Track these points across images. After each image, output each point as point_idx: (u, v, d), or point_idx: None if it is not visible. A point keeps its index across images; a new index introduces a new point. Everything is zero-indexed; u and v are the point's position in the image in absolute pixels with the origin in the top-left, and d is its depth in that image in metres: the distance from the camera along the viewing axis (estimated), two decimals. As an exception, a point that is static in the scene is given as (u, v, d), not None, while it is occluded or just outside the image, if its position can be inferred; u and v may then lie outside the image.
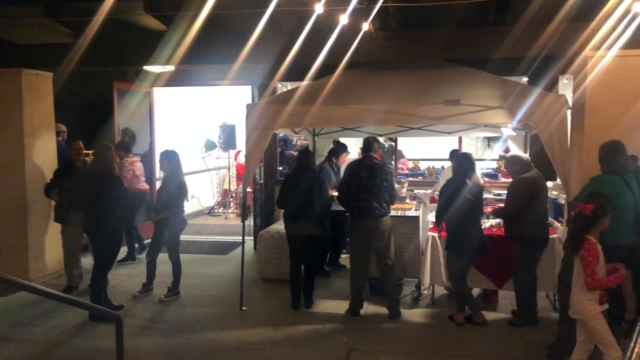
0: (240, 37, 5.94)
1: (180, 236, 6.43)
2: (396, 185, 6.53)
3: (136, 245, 8.20)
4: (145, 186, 8.38)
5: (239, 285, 6.03)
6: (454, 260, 5.44)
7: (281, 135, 9.60)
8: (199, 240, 9.39)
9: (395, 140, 9.88)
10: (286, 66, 6.07)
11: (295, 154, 10.14)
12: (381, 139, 9.92)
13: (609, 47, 5.45)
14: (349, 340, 5.07)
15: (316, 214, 5.86)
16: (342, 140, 9.78)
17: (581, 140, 5.63)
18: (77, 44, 6.13)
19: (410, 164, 10.55)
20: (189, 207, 10.27)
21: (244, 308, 5.93)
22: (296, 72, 6.40)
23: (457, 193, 5.25)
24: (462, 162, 5.46)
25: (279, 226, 7.33)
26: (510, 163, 5.52)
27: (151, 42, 6.71)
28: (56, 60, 6.58)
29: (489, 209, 6.03)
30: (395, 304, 5.67)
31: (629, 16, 5.14)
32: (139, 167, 8.22)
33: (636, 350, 1.42)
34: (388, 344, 5.02)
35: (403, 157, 11.01)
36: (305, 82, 6.25)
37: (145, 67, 8.07)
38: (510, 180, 5.63)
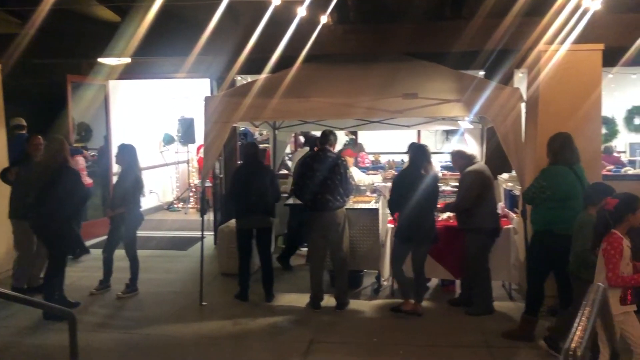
0: (197, 28, 5.85)
1: (138, 232, 6.31)
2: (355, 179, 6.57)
3: None
4: (88, 180, 8.14)
5: (199, 280, 5.96)
6: (399, 248, 5.47)
7: (242, 129, 9.53)
8: (157, 235, 9.24)
9: (355, 134, 9.92)
10: (244, 59, 6.01)
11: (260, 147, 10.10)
12: (342, 133, 9.98)
13: (562, 42, 5.60)
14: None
15: (267, 207, 5.89)
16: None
17: (535, 133, 5.77)
18: (25, 35, 5.93)
19: (371, 157, 10.62)
20: (147, 202, 10.13)
21: (203, 303, 5.87)
22: (255, 65, 6.35)
23: (410, 183, 5.30)
24: (416, 153, 5.51)
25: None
26: (457, 158, 5.63)
27: (105, 34, 6.56)
28: (4, 51, 6.35)
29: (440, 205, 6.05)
30: (342, 295, 5.71)
31: (580, 11, 5.29)
32: (79, 161, 7.94)
33: (577, 333, 1.47)
34: (348, 335, 5.05)
35: (363, 150, 11.07)
36: (264, 75, 6.20)
37: (100, 60, 7.87)
38: None
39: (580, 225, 4.10)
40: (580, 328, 1.49)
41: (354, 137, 10.05)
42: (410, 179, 5.35)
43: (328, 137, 5.84)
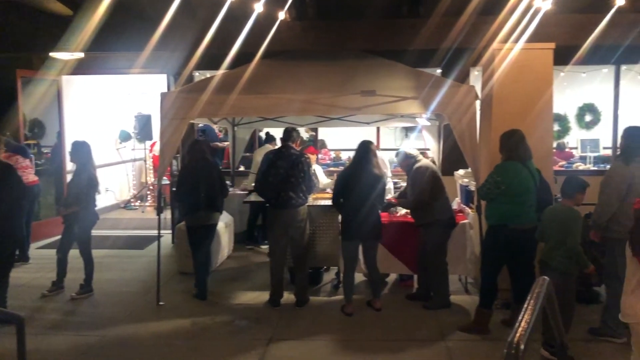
0: (152, 23, 5.74)
1: (93, 231, 6.17)
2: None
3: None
4: (33, 178, 7.85)
5: (156, 279, 5.86)
6: (347, 247, 5.48)
7: (200, 125, 9.42)
8: (113, 235, 9.04)
9: (316, 131, 9.94)
10: (202, 54, 5.94)
11: (222, 145, 10.01)
12: (302, 129, 9.98)
13: (515, 41, 5.73)
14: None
15: (215, 203, 5.92)
16: (266, 129, 9.75)
17: (489, 130, 5.88)
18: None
19: (332, 154, 10.66)
20: (103, 201, 9.92)
21: (161, 303, 5.78)
22: (213, 61, 6.28)
23: (355, 180, 5.32)
24: (360, 148, 5.51)
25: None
26: (404, 159, 5.70)
27: (57, 28, 6.36)
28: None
29: (392, 200, 6.10)
30: (302, 292, 5.73)
31: (532, 10, 5.42)
32: (19, 159, 7.61)
33: (522, 325, 1.51)
34: (308, 332, 5.05)
35: (325, 147, 11.11)
36: (222, 71, 6.14)
37: (52, 54, 7.63)
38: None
39: (565, 220, 4.21)
40: (524, 321, 1.53)
41: (314, 134, 10.05)
42: (354, 176, 5.36)
43: (291, 134, 5.82)
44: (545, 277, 1.95)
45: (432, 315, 5.38)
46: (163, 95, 5.75)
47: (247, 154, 9.34)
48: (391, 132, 12.52)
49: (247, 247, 8.11)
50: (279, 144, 6.43)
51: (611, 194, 4.58)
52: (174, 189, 8.63)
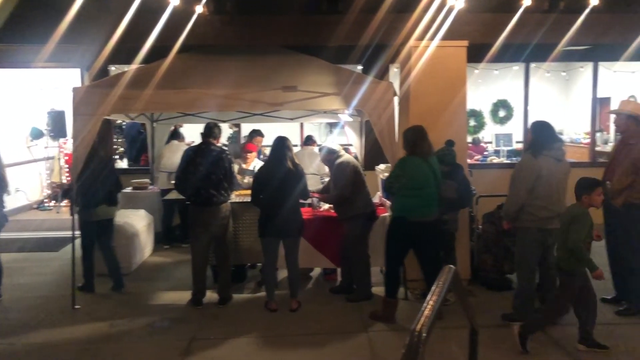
0: (62, 14, 5.45)
1: (1, 234, 5.81)
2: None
3: None
4: None
5: (71, 282, 5.61)
6: (264, 244, 5.44)
7: (120, 122, 9.10)
8: (24, 237, 8.55)
9: (239, 126, 9.83)
10: (116, 48, 5.71)
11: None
12: (226, 125, 9.84)
13: (431, 38, 5.91)
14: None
15: (110, 197, 5.90)
16: (186, 126, 9.54)
17: (407, 126, 6.01)
18: None
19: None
20: (13, 201, 9.33)
21: (76, 306, 5.53)
22: (128, 55, 6.07)
23: (270, 176, 5.30)
24: (276, 145, 5.49)
25: (115, 218, 6.92)
26: (327, 155, 5.76)
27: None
28: None
29: (315, 196, 6.14)
30: (225, 290, 5.67)
31: (445, 9, 5.60)
32: None
33: (425, 313, 1.55)
34: (230, 330, 4.99)
35: (261, 135, 11.00)
36: (137, 65, 5.94)
37: (-49, 46, 7.11)
38: None
39: (572, 218, 4.27)
40: (428, 309, 1.58)
41: (237, 129, 9.95)
42: (271, 172, 5.33)
43: (212, 130, 5.72)
44: (452, 266, 2.03)
45: (355, 307, 5.46)
46: (75, 90, 5.50)
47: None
48: (316, 128, 12.61)
49: (164, 246, 7.92)
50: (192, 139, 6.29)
51: (520, 186, 4.81)
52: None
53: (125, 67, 7.48)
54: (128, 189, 8.32)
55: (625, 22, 6.51)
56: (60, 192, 10.77)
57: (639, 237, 5.11)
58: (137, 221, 7.17)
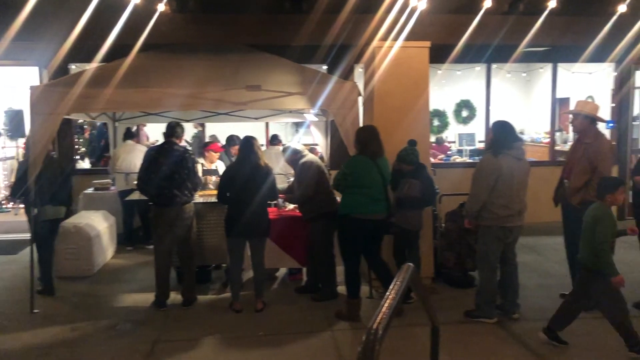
0: (16, 10, 5.29)
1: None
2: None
3: None
4: None
5: (29, 286, 5.47)
6: (230, 244, 5.41)
7: (80, 121, 8.90)
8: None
9: (203, 126, 9.74)
10: (75, 46, 5.57)
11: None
12: (190, 125, 9.74)
13: (395, 39, 5.95)
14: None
15: (61, 197, 5.87)
16: (149, 125, 9.42)
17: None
18: None
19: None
20: (-33, 203, 9.04)
21: (35, 311, 5.39)
22: (88, 53, 5.93)
23: (239, 175, 5.27)
24: (243, 145, 5.46)
25: (76, 220, 6.80)
26: (291, 155, 5.76)
27: None
28: None
29: (280, 196, 6.13)
30: (190, 291, 5.62)
31: (408, 9, 5.66)
32: None
33: (383, 310, 1.57)
34: (195, 331, 4.94)
35: (218, 141, 10.92)
36: (98, 64, 5.83)
37: None
38: None
39: (596, 219, 4.25)
40: (385, 307, 1.60)
41: (201, 129, 9.85)
42: (240, 171, 5.31)
43: (174, 129, 5.65)
44: (410, 264, 2.05)
45: (320, 307, 5.48)
46: (32, 88, 5.35)
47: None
48: (282, 128, 12.59)
49: (127, 248, 7.79)
50: (151, 136, 6.20)
51: (481, 185, 4.90)
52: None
53: (87, 66, 7.33)
54: (89, 190, 8.17)
55: (582, 24, 6.67)
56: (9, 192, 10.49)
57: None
58: (98, 222, 7.04)
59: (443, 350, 2.74)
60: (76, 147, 9.47)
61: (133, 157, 7.69)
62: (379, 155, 5.04)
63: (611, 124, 9.55)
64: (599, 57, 7.59)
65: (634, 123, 9.84)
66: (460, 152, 11.33)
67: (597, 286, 4.28)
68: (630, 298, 5.44)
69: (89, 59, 6.21)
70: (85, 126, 11.14)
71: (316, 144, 8.97)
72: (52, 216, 5.83)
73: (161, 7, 5.43)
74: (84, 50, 5.80)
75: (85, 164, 10.11)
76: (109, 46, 5.56)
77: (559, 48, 8.67)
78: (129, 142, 7.97)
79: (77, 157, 8.52)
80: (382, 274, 5.20)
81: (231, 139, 7.73)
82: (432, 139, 11.61)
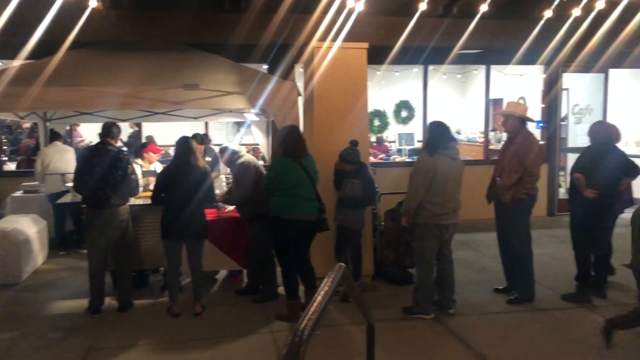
0: None
1: None
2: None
3: None
4: None
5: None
6: (170, 248, 5.30)
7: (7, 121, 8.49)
8: None
9: (140, 126, 9.49)
10: (-1, 41, 5.31)
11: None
12: (126, 124, 9.46)
13: (333, 39, 5.99)
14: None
15: None
16: (83, 125, 9.08)
17: (312, 126, 6.12)
18: None
19: (163, 151, 10.25)
20: None
21: (-42, 321, 5.12)
22: (14, 50, 5.66)
23: (177, 177, 5.17)
24: (180, 145, 5.35)
25: (3, 224, 6.48)
26: (228, 156, 5.71)
27: None
28: None
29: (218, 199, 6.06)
30: (125, 296, 5.47)
31: (346, 10, 5.71)
32: None
33: (310, 312, 1.57)
34: (131, 337, 4.80)
35: (154, 142, 10.65)
36: (24, 61, 5.58)
37: None
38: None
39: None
40: (313, 307, 1.60)
41: (137, 129, 9.59)
42: (177, 173, 5.20)
43: (110, 129, 5.45)
44: (342, 263, 2.05)
45: (261, 308, 5.44)
46: (-48, 86, 5.06)
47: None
48: (223, 128, 12.43)
49: (60, 252, 7.50)
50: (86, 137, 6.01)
51: (418, 183, 5.00)
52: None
53: (13, 63, 7.00)
54: (18, 193, 7.81)
55: (513, 28, 6.93)
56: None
57: (526, 230, 5.47)
58: (27, 227, 6.72)
59: (381, 347, 2.78)
60: (4, 147, 9.05)
61: (67, 158, 7.45)
62: (302, 155, 5.03)
63: (541, 124, 9.97)
64: (529, 59, 7.89)
65: (562, 123, 10.30)
66: (399, 151, 11.53)
67: None
68: (560, 290, 5.71)
69: (14, 55, 5.94)
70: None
71: (257, 144, 8.90)
72: None
73: (93, 3, 5.23)
74: (10, 46, 5.53)
75: (12, 166, 9.64)
76: (37, 42, 5.33)
77: (492, 51, 8.95)
78: (57, 143, 7.66)
79: (5, 158, 8.10)
80: (305, 275, 5.19)
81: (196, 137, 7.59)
82: (373, 138, 11.76)
